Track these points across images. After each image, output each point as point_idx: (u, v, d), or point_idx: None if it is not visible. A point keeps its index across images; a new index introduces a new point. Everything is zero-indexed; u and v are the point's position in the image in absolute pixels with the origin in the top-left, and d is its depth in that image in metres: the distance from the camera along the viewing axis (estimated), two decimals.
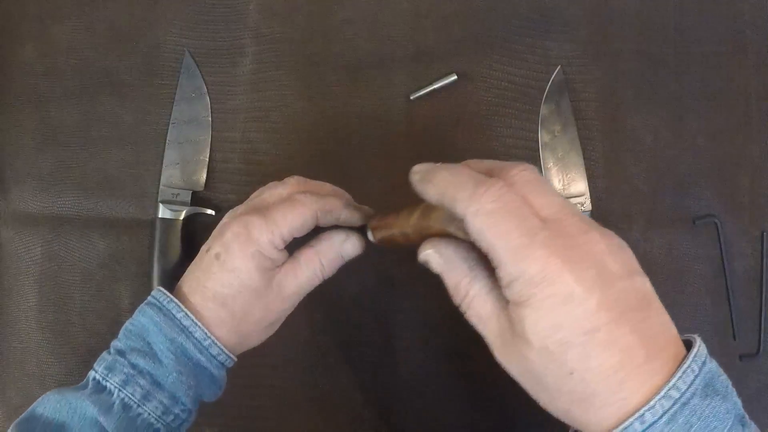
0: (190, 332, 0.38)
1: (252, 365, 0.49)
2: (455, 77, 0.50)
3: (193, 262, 0.41)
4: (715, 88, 0.51)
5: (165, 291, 0.39)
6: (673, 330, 0.30)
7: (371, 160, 0.50)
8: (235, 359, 0.40)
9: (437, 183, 0.33)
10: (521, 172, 0.31)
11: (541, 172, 0.50)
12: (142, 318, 0.39)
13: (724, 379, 0.30)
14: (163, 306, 0.39)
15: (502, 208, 0.30)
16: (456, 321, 0.49)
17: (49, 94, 0.51)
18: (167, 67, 0.51)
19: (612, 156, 0.50)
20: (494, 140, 0.51)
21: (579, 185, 0.50)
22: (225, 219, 0.40)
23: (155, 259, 0.47)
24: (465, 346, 0.49)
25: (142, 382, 0.37)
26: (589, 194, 0.50)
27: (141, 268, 0.50)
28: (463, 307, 0.34)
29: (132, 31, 0.52)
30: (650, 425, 0.27)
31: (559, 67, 0.51)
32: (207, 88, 0.51)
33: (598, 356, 0.28)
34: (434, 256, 0.34)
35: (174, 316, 0.38)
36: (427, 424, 0.49)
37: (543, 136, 0.50)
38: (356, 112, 0.51)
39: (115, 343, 0.39)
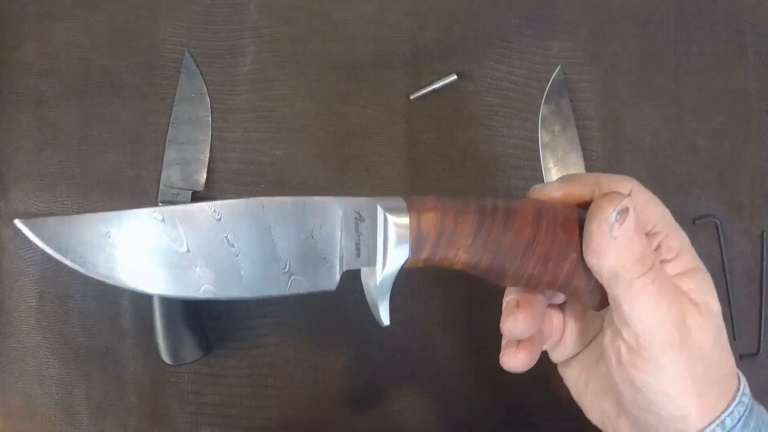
0: None
1: (252, 365, 0.49)
2: (455, 77, 0.50)
3: None
4: (715, 88, 0.51)
5: None
6: None
7: (371, 161, 0.50)
8: None
9: (590, 178, 0.34)
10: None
11: (542, 172, 0.50)
12: None
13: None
14: None
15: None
16: (456, 322, 0.49)
17: (49, 94, 0.51)
18: (167, 67, 0.51)
19: (612, 156, 0.50)
20: (494, 140, 0.51)
21: None
22: None
23: None
24: (465, 349, 0.49)
25: None
26: None
27: None
28: (653, 269, 0.30)
29: (132, 31, 0.52)
30: (729, 429, 0.31)
31: (559, 67, 0.51)
32: (207, 88, 0.51)
33: (729, 357, 0.33)
34: (633, 212, 0.30)
35: None
36: (427, 424, 0.49)
37: (543, 136, 0.50)
38: (356, 112, 0.51)
39: None
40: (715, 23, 0.51)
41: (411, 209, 0.29)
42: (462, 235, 0.30)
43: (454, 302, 0.50)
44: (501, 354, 0.35)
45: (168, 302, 0.47)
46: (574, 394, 0.37)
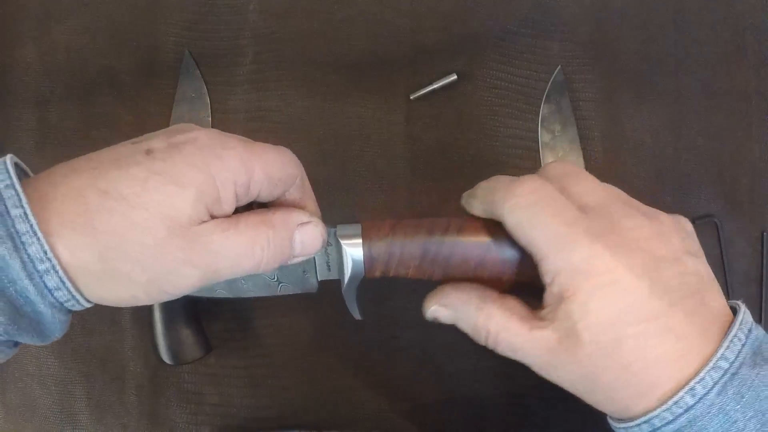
0: (23, 243, 0.24)
1: (252, 365, 0.49)
2: (455, 77, 0.50)
3: (96, 153, 0.28)
4: (715, 88, 0.51)
5: (11, 163, 0.26)
6: (727, 307, 0.30)
7: (371, 161, 0.50)
8: (88, 304, 0.27)
9: (478, 194, 0.33)
10: (555, 165, 0.32)
11: None
12: None
13: None
14: None
15: (539, 201, 0.29)
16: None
17: (49, 94, 0.51)
18: (167, 67, 0.51)
19: (612, 156, 0.50)
20: (494, 140, 0.51)
21: None
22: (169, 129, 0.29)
23: None
24: (464, 347, 0.49)
25: None
26: None
27: None
28: (491, 345, 0.32)
29: (132, 31, 0.52)
30: (701, 398, 0.27)
31: (559, 67, 0.51)
32: (207, 88, 0.51)
33: (654, 346, 0.27)
34: (441, 310, 0.32)
35: (7, 209, 0.24)
36: (427, 423, 0.49)
37: (543, 136, 0.50)
38: (356, 112, 0.51)
39: None
40: (715, 23, 0.51)
41: (364, 237, 0.34)
42: (410, 257, 0.34)
43: None
44: None
45: (168, 302, 0.47)
46: None
